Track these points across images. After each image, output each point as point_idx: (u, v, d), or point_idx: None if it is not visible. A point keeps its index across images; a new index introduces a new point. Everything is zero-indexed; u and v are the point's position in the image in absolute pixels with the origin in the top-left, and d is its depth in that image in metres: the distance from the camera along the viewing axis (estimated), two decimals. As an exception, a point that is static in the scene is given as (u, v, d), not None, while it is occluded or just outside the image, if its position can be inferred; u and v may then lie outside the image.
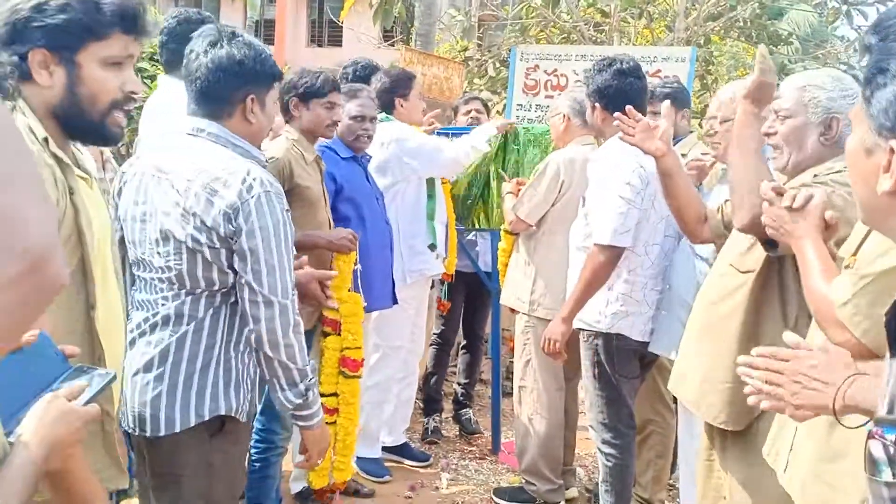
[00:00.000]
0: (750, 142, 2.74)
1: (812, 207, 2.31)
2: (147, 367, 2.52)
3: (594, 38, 7.97)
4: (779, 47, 9.16)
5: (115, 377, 1.69)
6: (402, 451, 5.23)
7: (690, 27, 7.74)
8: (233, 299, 2.55)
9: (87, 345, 2.04)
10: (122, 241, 2.62)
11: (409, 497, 4.78)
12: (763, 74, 2.75)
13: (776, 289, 2.68)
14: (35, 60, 1.97)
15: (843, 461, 2.15)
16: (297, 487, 4.54)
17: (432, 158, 4.85)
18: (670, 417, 4.53)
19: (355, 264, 4.01)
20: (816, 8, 9.82)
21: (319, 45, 25.85)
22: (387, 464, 5.05)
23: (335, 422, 3.98)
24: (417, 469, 5.13)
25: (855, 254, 2.16)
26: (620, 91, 3.92)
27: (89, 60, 2.02)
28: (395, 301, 4.63)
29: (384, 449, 5.11)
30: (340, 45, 22.39)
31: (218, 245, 2.46)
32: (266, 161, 2.75)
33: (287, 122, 4.12)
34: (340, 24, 9.83)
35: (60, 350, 1.65)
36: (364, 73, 4.84)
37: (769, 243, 2.62)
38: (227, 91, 2.57)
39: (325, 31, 26.55)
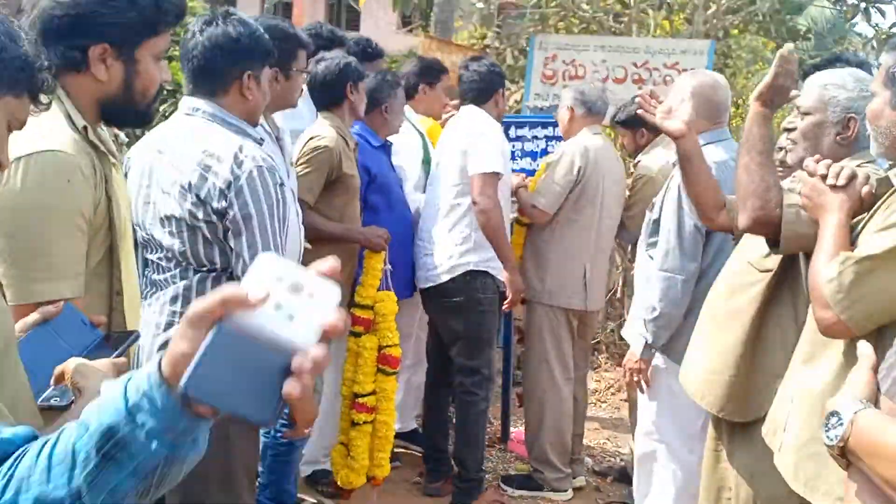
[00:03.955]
0: (758, 143, 2.67)
1: (855, 185, 2.32)
2: (161, 349, 2.54)
3: (613, 29, 7.96)
4: (797, 43, 9.15)
5: (139, 335, 1.80)
6: (411, 437, 5.24)
7: (710, 20, 7.72)
8: None
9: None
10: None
11: (418, 483, 4.81)
12: (778, 77, 2.67)
13: (788, 290, 2.70)
14: (95, 54, 1.99)
15: None
16: (307, 471, 4.57)
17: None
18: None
19: (385, 264, 4.04)
20: (835, 4, 9.77)
21: (338, 29, 25.87)
22: (396, 449, 5.07)
23: (374, 419, 4.01)
24: (426, 455, 5.14)
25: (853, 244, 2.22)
26: None
27: (145, 55, 2.06)
28: (414, 289, 4.66)
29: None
30: (358, 30, 22.41)
31: (214, 220, 2.48)
32: (261, 139, 2.77)
33: (332, 109, 4.06)
34: (359, 9, 9.80)
35: (89, 319, 1.72)
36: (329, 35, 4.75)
37: (773, 244, 2.64)
38: (222, 68, 2.62)
39: (343, 16, 26.55)
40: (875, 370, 1.62)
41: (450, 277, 4.43)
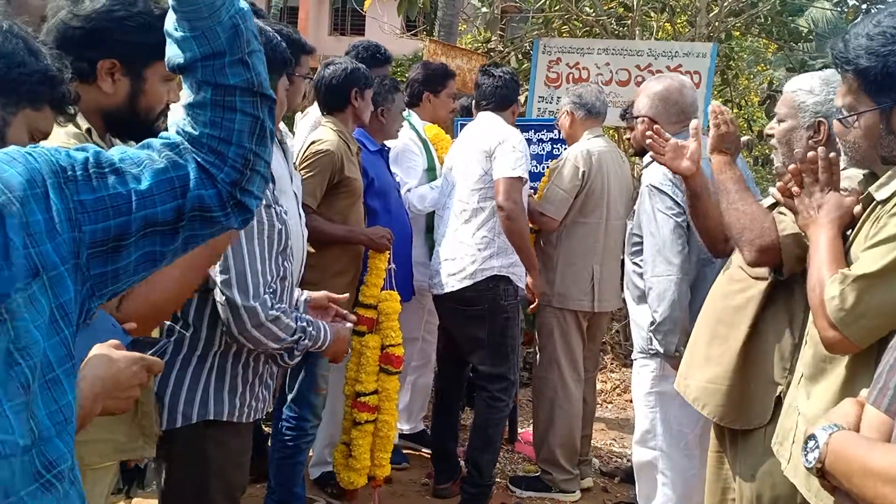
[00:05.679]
0: (730, 185, 2.86)
1: (847, 201, 2.34)
2: None
3: (616, 32, 7.99)
4: (798, 44, 9.19)
5: (167, 343, 1.81)
6: (419, 438, 5.28)
7: (712, 23, 7.74)
8: None
9: None
10: None
11: (426, 484, 4.84)
12: (719, 127, 2.96)
13: (782, 296, 2.72)
14: (104, 68, 2.04)
15: None
16: (316, 473, 4.61)
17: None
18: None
19: (389, 263, 4.07)
20: (836, 6, 9.79)
21: (342, 34, 25.85)
22: (404, 451, 5.11)
23: (376, 419, 4.03)
24: (435, 456, 5.17)
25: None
26: None
27: (153, 76, 2.10)
28: (413, 292, 4.69)
29: (401, 436, 5.14)
30: (363, 34, 22.42)
31: None
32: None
33: (335, 113, 4.10)
34: (363, 12, 9.83)
35: (121, 325, 1.79)
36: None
37: (777, 270, 2.69)
38: None
39: (348, 20, 26.55)
40: (861, 405, 1.67)
41: (472, 282, 4.39)
